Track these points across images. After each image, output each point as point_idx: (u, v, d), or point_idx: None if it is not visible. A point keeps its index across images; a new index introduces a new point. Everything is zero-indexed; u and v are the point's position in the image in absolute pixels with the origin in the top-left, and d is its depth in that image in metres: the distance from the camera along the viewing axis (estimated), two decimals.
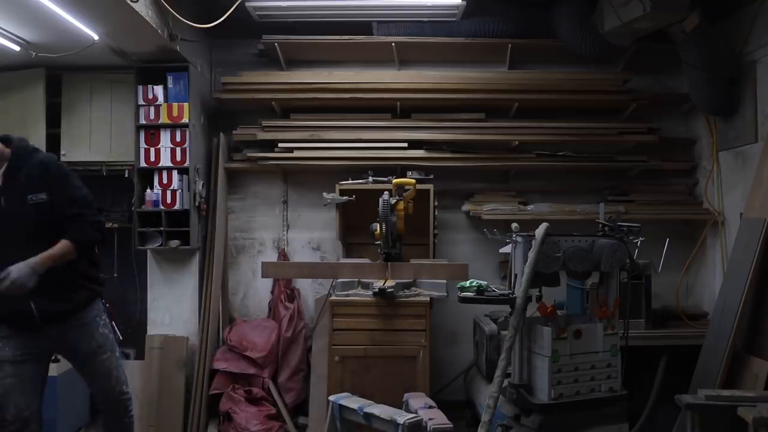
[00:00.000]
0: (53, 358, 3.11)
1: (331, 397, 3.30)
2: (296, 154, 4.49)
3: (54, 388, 4.03)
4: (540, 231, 2.79)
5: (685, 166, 4.71)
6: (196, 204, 4.37)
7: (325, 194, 4.15)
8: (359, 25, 4.43)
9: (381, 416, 2.97)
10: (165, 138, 4.30)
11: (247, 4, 3.99)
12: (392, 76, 4.58)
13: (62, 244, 2.79)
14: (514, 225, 2.92)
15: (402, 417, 2.90)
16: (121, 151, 4.50)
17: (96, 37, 3.86)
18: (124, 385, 3.14)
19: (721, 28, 4.22)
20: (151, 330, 4.47)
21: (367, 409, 3.04)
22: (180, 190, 4.29)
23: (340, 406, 3.19)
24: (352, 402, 3.14)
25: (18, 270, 2.65)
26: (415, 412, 3.06)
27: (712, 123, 4.47)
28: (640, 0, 3.65)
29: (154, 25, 3.59)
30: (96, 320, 3.02)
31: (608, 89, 4.55)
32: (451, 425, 2.91)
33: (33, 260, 2.69)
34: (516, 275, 2.86)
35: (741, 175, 4.15)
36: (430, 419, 2.92)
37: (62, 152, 4.53)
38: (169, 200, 4.28)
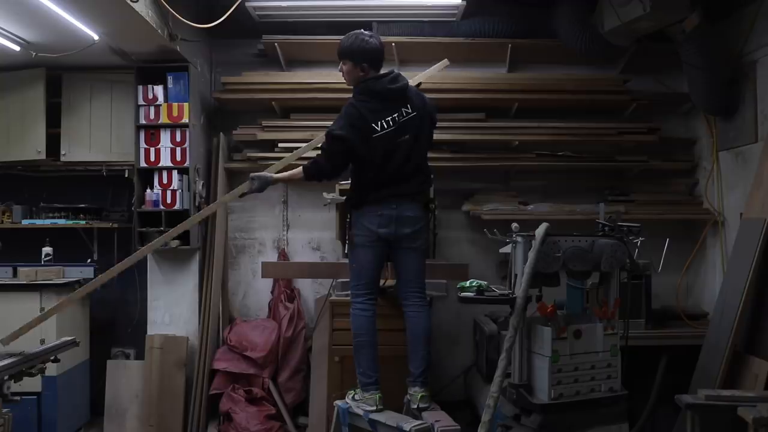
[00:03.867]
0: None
1: (337, 402, 3.29)
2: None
3: (54, 388, 4.03)
4: (540, 231, 2.79)
5: (685, 166, 4.71)
6: (196, 204, 4.37)
7: (325, 194, 4.13)
8: (359, 25, 4.39)
9: (387, 423, 2.96)
10: (165, 138, 4.30)
11: (247, 4, 4.00)
12: None
13: None
14: (514, 225, 2.91)
15: (408, 424, 2.89)
16: (121, 151, 4.51)
17: (96, 37, 3.86)
18: None
19: (721, 28, 4.22)
20: (151, 330, 4.47)
21: (373, 416, 3.03)
22: (180, 190, 4.29)
23: (346, 412, 3.18)
24: (358, 408, 3.13)
25: None
26: (418, 413, 3.05)
27: (712, 123, 4.47)
28: (640, 0, 3.65)
29: (154, 25, 3.59)
30: None
31: (608, 89, 4.55)
32: (458, 426, 2.90)
33: None
34: (516, 275, 2.86)
35: (741, 175, 4.15)
36: (436, 421, 2.91)
37: (62, 152, 4.54)
38: (169, 200, 4.29)
